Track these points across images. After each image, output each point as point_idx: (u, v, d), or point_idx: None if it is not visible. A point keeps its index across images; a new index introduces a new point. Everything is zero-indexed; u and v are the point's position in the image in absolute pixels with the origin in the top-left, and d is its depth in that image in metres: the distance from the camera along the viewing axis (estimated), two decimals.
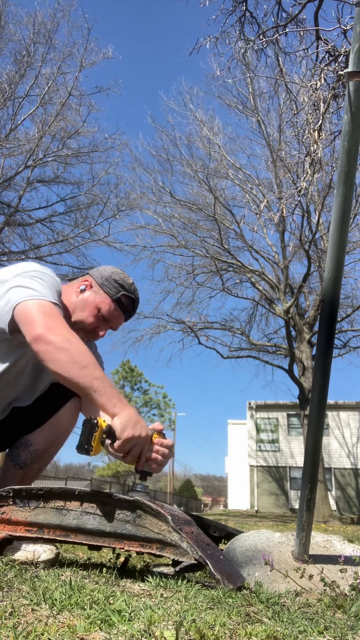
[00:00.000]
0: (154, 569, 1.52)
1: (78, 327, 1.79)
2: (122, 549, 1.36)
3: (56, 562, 1.47)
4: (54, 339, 1.45)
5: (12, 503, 1.45)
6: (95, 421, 1.43)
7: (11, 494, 1.44)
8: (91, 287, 1.83)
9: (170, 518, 1.30)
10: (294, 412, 26.04)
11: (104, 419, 1.46)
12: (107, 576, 1.32)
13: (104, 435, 1.43)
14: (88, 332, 1.82)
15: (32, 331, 1.47)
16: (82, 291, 1.82)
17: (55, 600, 0.95)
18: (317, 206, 15.43)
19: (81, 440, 1.44)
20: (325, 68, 6.34)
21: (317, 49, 6.77)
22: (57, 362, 1.44)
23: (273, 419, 27.35)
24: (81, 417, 1.88)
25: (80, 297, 1.81)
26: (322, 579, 1.33)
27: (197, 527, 1.46)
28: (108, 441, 1.48)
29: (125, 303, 1.82)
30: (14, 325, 1.55)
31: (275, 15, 7.10)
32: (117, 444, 1.44)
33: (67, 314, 1.79)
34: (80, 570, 1.38)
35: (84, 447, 1.43)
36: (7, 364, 1.70)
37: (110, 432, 1.44)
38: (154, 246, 18.56)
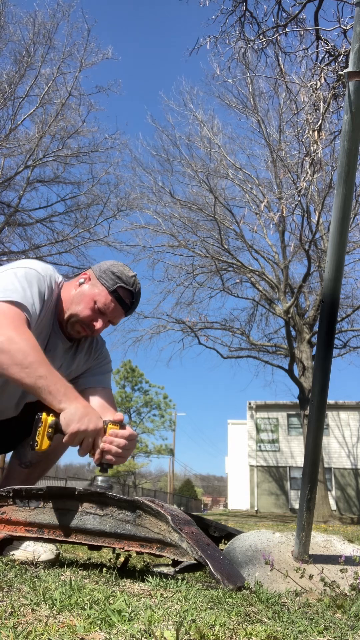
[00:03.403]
0: (154, 569, 1.52)
1: (74, 321, 1.78)
2: (122, 549, 1.36)
3: (56, 562, 1.47)
4: None
5: (12, 503, 1.45)
6: (39, 417, 1.47)
7: (11, 494, 1.44)
8: (90, 279, 1.82)
9: (170, 518, 1.30)
10: (294, 412, 26.03)
11: (52, 414, 1.49)
12: (107, 576, 1.32)
13: (50, 430, 1.47)
14: (85, 326, 1.79)
15: None
16: (81, 284, 1.82)
17: (55, 600, 0.94)
18: (317, 206, 15.41)
19: (31, 436, 1.49)
20: (325, 68, 6.34)
21: (317, 49, 6.77)
22: (1, 365, 1.46)
23: (273, 419, 27.33)
24: None
25: (78, 290, 1.81)
26: (322, 579, 1.33)
27: (197, 527, 1.46)
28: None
29: (123, 295, 1.78)
30: None
31: (275, 15, 7.11)
32: (65, 438, 1.48)
33: (62, 307, 1.81)
34: (80, 570, 1.38)
35: (29, 442, 1.48)
36: None
37: (57, 427, 1.48)
38: (154, 246, 18.53)
